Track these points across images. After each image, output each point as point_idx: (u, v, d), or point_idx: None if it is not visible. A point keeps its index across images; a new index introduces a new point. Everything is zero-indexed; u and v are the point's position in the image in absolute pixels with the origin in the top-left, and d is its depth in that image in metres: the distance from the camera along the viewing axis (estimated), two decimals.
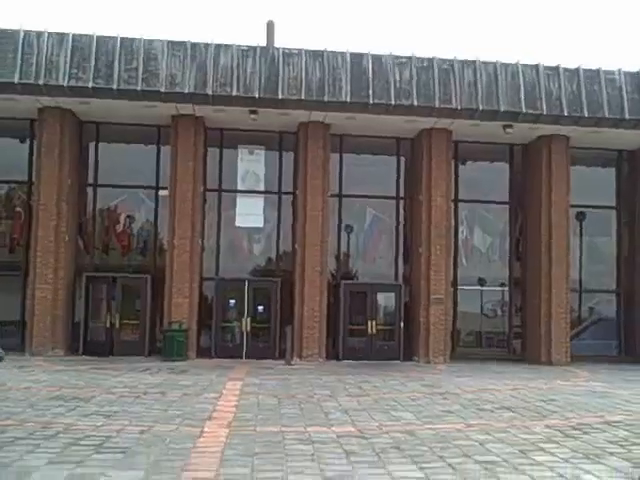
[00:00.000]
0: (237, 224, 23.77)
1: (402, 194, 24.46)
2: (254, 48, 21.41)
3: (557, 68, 22.16)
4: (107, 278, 22.64)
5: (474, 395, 13.80)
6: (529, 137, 23.76)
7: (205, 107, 21.61)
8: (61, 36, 20.72)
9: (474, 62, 21.93)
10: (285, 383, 15.43)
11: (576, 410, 11.85)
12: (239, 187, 23.83)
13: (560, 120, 22.08)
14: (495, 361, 22.66)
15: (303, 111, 21.76)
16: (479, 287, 24.71)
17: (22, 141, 23.23)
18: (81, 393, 12.81)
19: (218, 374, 17.14)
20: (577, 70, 22.22)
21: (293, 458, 7.70)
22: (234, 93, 20.96)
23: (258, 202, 23.92)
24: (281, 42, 22.56)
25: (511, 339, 24.74)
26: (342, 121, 22.37)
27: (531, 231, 24.11)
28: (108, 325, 22.17)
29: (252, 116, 21.63)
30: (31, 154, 22.72)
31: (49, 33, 20.68)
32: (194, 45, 21.15)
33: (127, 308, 22.59)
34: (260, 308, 22.90)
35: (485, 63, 21.99)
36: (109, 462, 7.34)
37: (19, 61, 20.38)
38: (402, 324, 22.93)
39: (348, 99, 21.26)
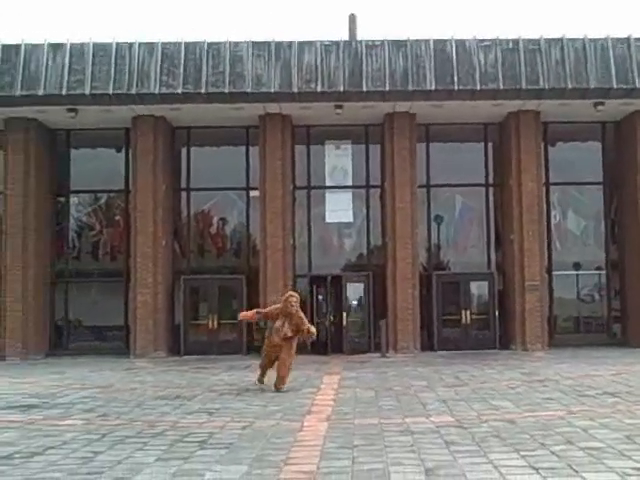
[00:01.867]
0: (327, 220, 23.90)
1: (491, 181, 24.06)
2: (337, 43, 21.46)
3: None
4: (204, 280, 23.16)
5: (575, 381, 13.48)
6: (622, 113, 22.95)
7: (291, 105, 21.79)
8: (151, 45, 21.29)
9: (561, 40, 21.35)
10: (381, 376, 15.45)
11: None
12: (327, 183, 23.95)
13: None
14: (595, 346, 22.05)
15: (388, 102, 21.67)
16: (575, 272, 24.06)
17: (118, 150, 24.00)
18: (184, 392, 13.15)
19: (315, 369, 17.28)
20: None
21: (393, 449, 7.70)
22: (319, 89, 21.07)
23: (347, 197, 23.99)
24: (363, 34, 22.56)
25: (611, 323, 23.99)
26: (428, 110, 22.17)
27: (627, 211, 23.30)
28: (207, 326, 22.67)
29: (337, 111, 21.70)
30: (127, 162, 23.44)
31: (140, 43, 21.28)
32: (278, 44, 21.36)
33: (224, 308, 23.03)
34: (354, 302, 22.93)
35: (572, 40, 21.37)
36: (214, 457, 7.52)
37: (113, 72, 21.06)
38: (497, 312, 22.59)
39: (433, 87, 21.05)
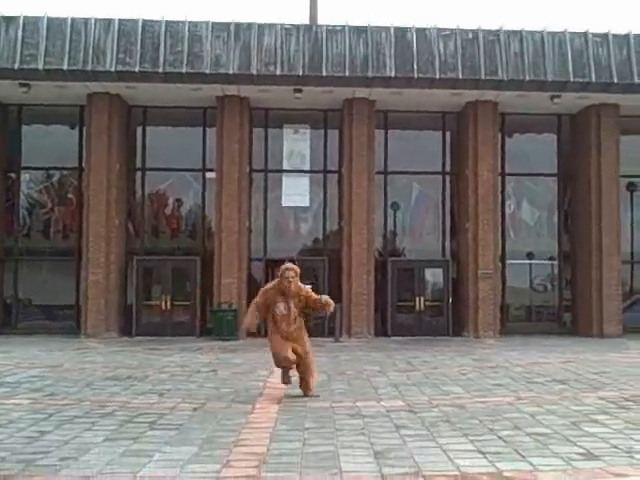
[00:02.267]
0: (283, 204, 23.87)
1: (448, 169, 24.25)
2: (297, 26, 21.35)
3: (606, 35, 21.61)
4: (158, 261, 22.97)
5: (524, 369, 13.68)
6: (577, 107, 23.29)
7: (250, 87, 21.64)
8: (107, 22, 20.92)
9: (520, 32, 21.55)
10: (334, 360, 15.49)
11: (630, 382, 11.67)
12: (285, 167, 23.89)
13: (609, 88, 21.56)
14: (545, 335, 22.43)
15: (347, 88, 21.67)
16: (528, 261, 24.42)
17: (72, 127, 23.61)
18: (135, 373, 13.04)
19: (268, 352, 17.23)
20: (627, 36, 21.65)
21: (343, 432, 7.73)
22: (278, 72, 20.95)
23: (304, 181, 23.97)
24: (325, 18, 22.52)
25: (561, 313, 24.43)
26: (387, 97, 22.22)
27: (580, 203, 23.70)
28: (160, 307, 22.49)
29: (296, 95, 21.61)
30: (81, 140, 23.08)
31: (96, 19, 20.89)
32: (237, 26, 21.17)
33: (178, 290, 22.89)
34: (308, 287, 22.89)
35: (531, 32, 21.59)
36: (163, 438, 7.47)
37: (67, 48, 20.65)
38: (450, 300, 22.85)
39: (392, 74, 21.09)
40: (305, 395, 10.00)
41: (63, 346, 18.58)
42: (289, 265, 9.96)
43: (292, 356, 9.90)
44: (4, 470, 6.24)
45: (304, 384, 10.15)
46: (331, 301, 10.11)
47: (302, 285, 10.01)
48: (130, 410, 9.08)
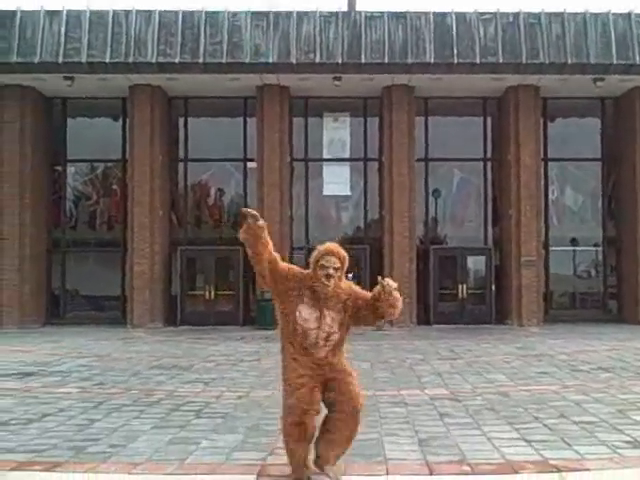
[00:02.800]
0: (324, 193, 23.87)
1: (489, 155, 24.01)
2: (336, 14, 21.29)
3: None
4: (201, 251, 23.17)
5: (569, 357, 13.57)
6: (621, 89, 22.84)
7: (289, 76, 21.65)
8: (148, 13, 21.06)
9: (562, 14, 21.19)
10: (377, 348, 15.52)
11: None
12: (325, 155, 23.88)
13: None
14: (590, 322, 22.14)
15: (387, 75, 21.56)
16: (572, 248, 24.11)
17: (115, 120, 23.88)
18: (180, 362, 13.22)
19: None
20: None
21: (387, 421, 7.78)
22: (317, 60, 20.93)
23: (344, 170, 23.95)
24: (363, 5, 22.40)
25: (606, 300, 24.08)
26: (427, 83, 22.06)
27: (625, 188, 23.29)
28: (204, 297, 22.72)
29: (336, 82, 21.58)
30: (124, 132, 23.34)
31: (137, 11, 21.06)
32: (276, 14, 21.17)
33: (221, 280, 23.08)
34: (350, 275, 22.92)
35: (573, 14, 21.22)
36: (210, 426, 7.59)
37: (109, 40, 20.88)
38: (493, 287, 22.66)
39: (432, 60, 20.92)
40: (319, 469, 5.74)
41: (110, 336, 18.90)
42: (331, 247, 5.64)
43: (316, 411, 5.64)
44: (56, 457, 6.40)
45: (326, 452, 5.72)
46: (397, 293, 5.59)
47: (346, 281, 5.79)
48: (176, 399, 9.23)
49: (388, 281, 5.54)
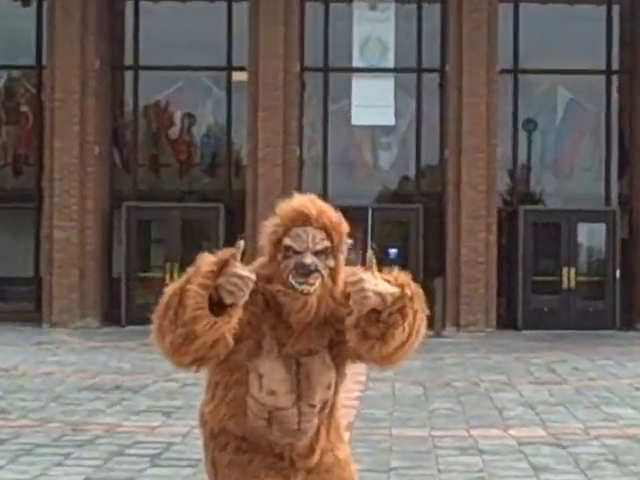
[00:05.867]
0: (354, 122, 23.83)
1: (617, 66, 23.94)
2: None
3: None
4: (160, 210, 23.28)
5: None
6: None
7: None
8: None
9: None
10: (435, 364, 15.55)
11: None
12: (356, 64, 23.79)
13: None
14: None
15: None
16: None
17: (25, 4, 23.85)
18: (126, 381, 13.29)
19: None
20: None
21: (450, 476, 7.75)
22: None
23: (386, 86, 23.86)
24: None
25: None
26: None
27: None
28: (163, 280, 22.78)
29: None
30: (39, 24, 23.36)
31: None
32: None
33: (190, 254, 22.94)
34: (392, 251, 22.95)
35: None
36: None
37: None
38: (618, 273, 22.60)
39: None
40: None
41: (17, 339, 18.98)
42: (304, 205, 3.99)
43: None
44: None
45: None
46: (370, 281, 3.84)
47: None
48: (121, 437, 9.23)
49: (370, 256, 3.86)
